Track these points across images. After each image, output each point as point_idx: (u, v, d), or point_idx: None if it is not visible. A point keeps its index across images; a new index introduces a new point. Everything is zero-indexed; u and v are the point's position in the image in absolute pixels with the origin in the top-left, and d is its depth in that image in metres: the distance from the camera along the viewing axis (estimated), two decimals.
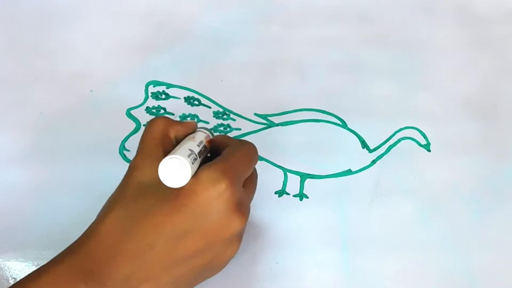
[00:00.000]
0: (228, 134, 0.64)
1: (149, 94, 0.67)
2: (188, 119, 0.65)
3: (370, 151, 0.63)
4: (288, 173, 0.62)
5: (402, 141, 0.64)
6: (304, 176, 0.62)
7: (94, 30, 0.72)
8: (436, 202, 0.60)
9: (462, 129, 0.65)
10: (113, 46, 0.71)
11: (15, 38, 0.71)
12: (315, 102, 0.67)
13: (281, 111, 0.66)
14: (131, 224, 0.44)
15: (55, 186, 0.59)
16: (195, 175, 0.44)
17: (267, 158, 0.63)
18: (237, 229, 0.46)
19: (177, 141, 0.50)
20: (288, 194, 0.61)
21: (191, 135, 0.51)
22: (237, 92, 0.68)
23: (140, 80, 0.68)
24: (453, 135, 0.65)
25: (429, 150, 0.64)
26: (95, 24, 0.73)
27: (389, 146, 0.64)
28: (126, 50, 0.71)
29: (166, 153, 0.47)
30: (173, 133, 0.50)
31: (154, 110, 0.66)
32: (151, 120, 0.50)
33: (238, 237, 0.48)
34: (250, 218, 0.58)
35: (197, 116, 0.66)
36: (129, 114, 0.66)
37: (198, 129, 0.52)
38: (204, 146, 0.49)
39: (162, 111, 0.66)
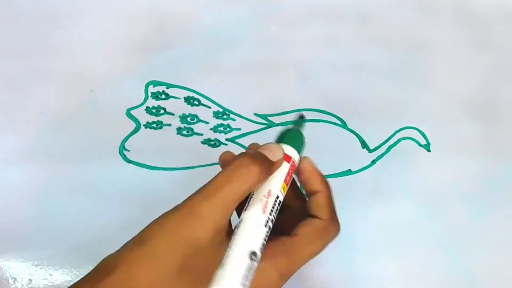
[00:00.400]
0: (228, 134, 0.65)
1: (149, 94, 0.67)
2: (188, 119, 0.65)
3: (370, 151, 0.64)
4: None
5: (402, 141, 0.64)
6: None
7: (94, 30, 0.72)
8: (436, 202, 0.60)
9: (462, 129, 0.65)
10: (113, 46, 0.71)
11: (15, 38, 0.71)
12: (315, 102, 0.67)
13: (281, 111, 0.66)
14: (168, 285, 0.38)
15: (55, 186, 0.59)
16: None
17: None
18: None
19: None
20: None
21: (264, 190, 0.42)
22: (237, 92, 0.68)
23: (140, 80, 0.68)
24: (453, 135, 0.65)
25: (429, 150, 0.64)
26: (95, 24, 0.73)
27: (389, 146, 0.64)
28: (126, 50, 0.71)
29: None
30: (257, 186, 0.41)
31: (154, 110, 0.66)
32: (244, 164, 0.40)
33: None
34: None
35: (197, 116, 0.66)
36: (129, 114, 0.66)
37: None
38: (281, 192, 0.42)
39: (162, 111, 0.66)
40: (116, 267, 0.38)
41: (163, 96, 0.67)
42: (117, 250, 0.39)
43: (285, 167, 0.43)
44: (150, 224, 0.40)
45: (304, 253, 0.42)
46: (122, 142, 0.64)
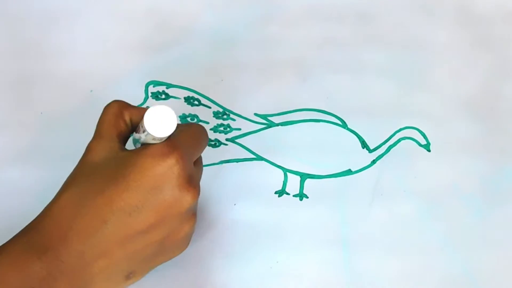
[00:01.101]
0: (228, 134, 0.65)
1: (149, 94, 0.67)
2: (188, 119, 0.65)
3: (370, 151, 0.64)
4: (288, 173, 0.62)
5: (402, 141, 0.64)
6: (304, 176, 0.62)
7: (94, 30, 0.72)
8: (436, 202, 0.60)
9: (462, 129, 0.65)
10: (113, 46, 0.71)
11: (15, 38, 0.71)
12: (315, 102, 0.67)
13: (281, 111, 0.66)
14: (83, 202, 0.45)
15: (55, 186, 0.58)
16: (145, 150, 0.46)
17: (267, 158, 0.63)
18: (189, 204, 0.47)
19: (133, 125, 0.51)
20: (288, 194, 0.61)
21: None
22: (237, 92, 0.68)
23: (140, 80, 0.68)
24: (453, 135, 0.65)
25: (429, 150, 0.64)
26: (95, 24, 0.73)
27: (389, 146, 0.64)
28: (126, 50, 0.71)
29: (120, 135, 0.49)
30: (127, 116, 0.50)
31: None
32: (108, 104, 0.51)
33: (192, 213, 0.49)
34: (249, 217, 0.58)
35: (197, 116, 0.66)
36: None
37: None
38: None
39: None
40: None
41: (163, 96, 0.67)
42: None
43: None
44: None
45: (182, 134, 0.49)
46: None
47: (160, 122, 0.44)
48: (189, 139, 0.49)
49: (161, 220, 0.46)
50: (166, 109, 0.44)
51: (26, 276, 0.43)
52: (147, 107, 0.48)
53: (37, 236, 0.45)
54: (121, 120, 0.50)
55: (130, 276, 0.48)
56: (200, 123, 0.65)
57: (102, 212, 0.45)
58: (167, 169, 0.46)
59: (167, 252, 0.50)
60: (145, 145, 0.46)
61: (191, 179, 0.47)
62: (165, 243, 0.48)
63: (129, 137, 0.51)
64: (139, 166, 0.45)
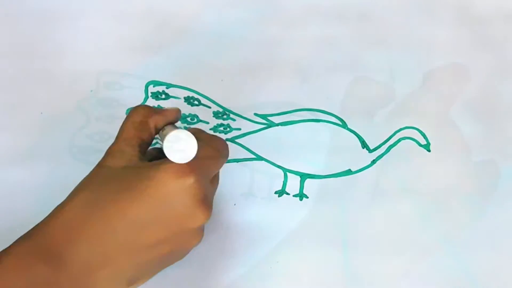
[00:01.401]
0: (228, 134, 0.65)
1: (149, 94, 0.67)
2: (188, 119, 0.65)
3: (370, 151, 0.64)
4: (288, 173, 0.62)
5: (402, 141, 0.64)
6: (304, 176, 0.62)
7: (95, 30, 0.72)
8: (436, 203, 0.60)
9: (462, 129, 0.65)
10: (114, 45, 0.71)
11: (15, 38, 0.71)
12: (315, 102, 0.67)
13: (281, 111, 0.66)
14: (95, 208, 0.45)
15: (55, 186, 0.58)
16: (164, 166, 0.45)
17: (267, 158, 0.63)
18: (201, 222, 0.47)
19: (157, 131, 0.51)
20: (288, 194, 0.61)
21: (172, 125, 0.51)
22: (237, 92, 0.68)
23: (140, 80, 0.68)
24: (454, 135, 0.65)
25: (429, 150, 0.64)
26: (95, 24, 0.73)
27: (389, 146, 0.64)
28: (126, 50, 0.71)
29: (142, 144, 0.49)
30: (152, 123, 0.50)
31: None
32: (132, 108, 0.51)
33: (201, 230, 0.49)
34: (249, 217, 0.58)
35: (197, 116, 0.65)
36: None
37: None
38: None
39: None
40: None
41: (163, 96, 0.67)
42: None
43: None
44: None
45: (203, 151, 0.47)
46: None
47: (179, 149, 0.44)
48: (210, 155, 0.49)
49: (170, 236, 0.46)
50: (186, 135, 0.44)
51: (29, 279, 0.43)
52: (175, 108, 0.51)
53: (43, 239, 0.45)
54: (146, 127, 0.50)
55: (132, 282, 0.48)
56: (200, 123, 0.65)
57: (112, 221, 0.44)
58: (184, 188, 0.45)
59: (166, 264, 0.50)
60: (165, 159, 0.45)
61: (206, 198, 0.47)
62: (167, 256, 0.48)
63: (150, 144, 0.51)
64: (156, 180, 0.45)
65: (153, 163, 0.46)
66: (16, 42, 0.71)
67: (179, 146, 0.44)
